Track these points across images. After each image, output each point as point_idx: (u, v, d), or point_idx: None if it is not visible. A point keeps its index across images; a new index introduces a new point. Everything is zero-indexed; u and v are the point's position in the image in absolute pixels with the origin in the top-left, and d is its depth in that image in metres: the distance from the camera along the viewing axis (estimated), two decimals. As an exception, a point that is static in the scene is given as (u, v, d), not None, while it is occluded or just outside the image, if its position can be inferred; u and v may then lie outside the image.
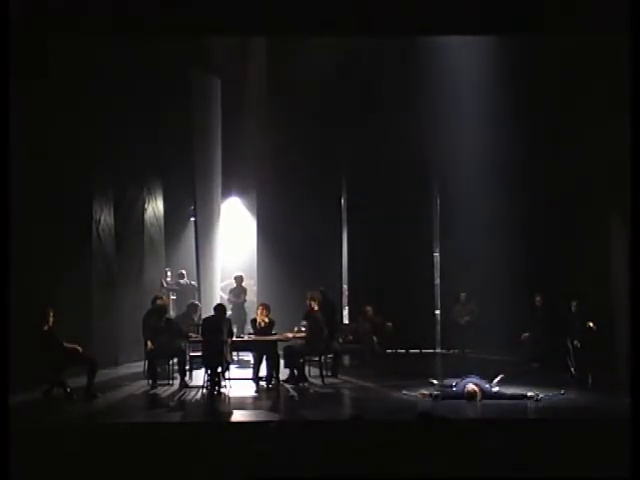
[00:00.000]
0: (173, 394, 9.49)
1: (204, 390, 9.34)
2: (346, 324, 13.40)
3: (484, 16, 8.63)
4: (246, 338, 10.49)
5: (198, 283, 13.24)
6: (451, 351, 13.77)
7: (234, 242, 15.62)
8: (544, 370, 10.90)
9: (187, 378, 10.08)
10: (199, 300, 12.34)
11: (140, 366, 10.85)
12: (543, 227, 12.01)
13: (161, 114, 12.77)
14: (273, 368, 9.95)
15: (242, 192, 15.63)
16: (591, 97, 10.71)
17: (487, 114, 12.57)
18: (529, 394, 8.57)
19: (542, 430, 6.90)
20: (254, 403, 9.05)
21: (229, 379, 9.51)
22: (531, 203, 12.09)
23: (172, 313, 12.85)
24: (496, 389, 8.77)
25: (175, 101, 12.88)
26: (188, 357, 10.34)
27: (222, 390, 9.27)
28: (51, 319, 8.92)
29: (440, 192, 14.46)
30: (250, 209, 15.64)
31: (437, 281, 14.46)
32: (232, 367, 10.08)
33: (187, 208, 14.41)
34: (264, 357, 10.02)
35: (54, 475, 5.84)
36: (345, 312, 14.28)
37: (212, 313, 9.62)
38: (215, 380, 9.27)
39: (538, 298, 11.55)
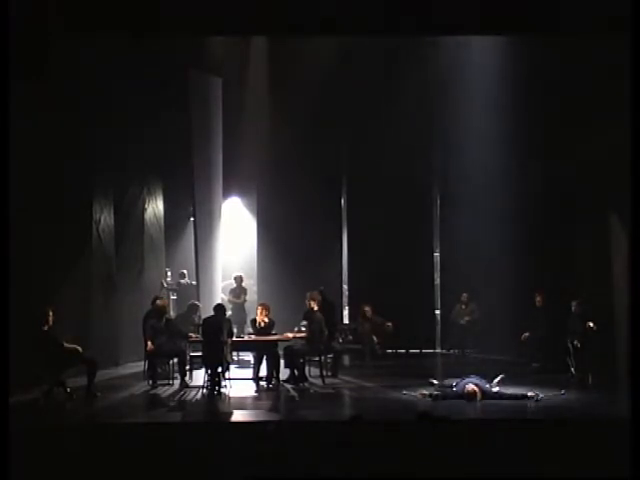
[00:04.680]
0: (173, 394, 9.49)
1: (204, 390, 9.35)
2: (346, 324, 13.41)
3: (484, 16, 8.62)
4: (246, 338, 10.50)
5: (197, 283, 13.24)
6: (451, 351, 13.77)
7: (234, 242, 15.62)
8: (544, 370, 10.90)
9: (187, 378, 10.08)
10: (199, 300, 12.33)
11: (140, 366, 10.86)
12: (543, 227, 12.00)
13: (161, 114, 12.77)
14: (273, 368, 9.96)
15: (242, 192, 15.61)
16: (590, 97, 10.70)
17: (487, 114, 12.56)
18: (529, 394, 8.57)
19: (542, 430, 6.89)
20: (254, 403, 9.05)
21: (229, 379, 9.52)
22: (531, 203, 12.07)
23: (172, 313, 12.85)
24: (496, 389, 8.77)
25: (175, 101, 12.87)
26: (188, 357, 10.34)
27: (222, 390, 9.28)
28: (51, 319, 8.92)
29: (440, 192, 14.47)
30: (250, 209, 15.64)
31: (437, 281, 14.47)
32: (232, 367, 10.10)
33: (187, 208, 14.39)
34: (264, 357, 10.03)
35: (54, 475, 5.84)
36: (345, 312, 14.29)
37: (212, 313, 9.63)
38: (215, 380, 9.27)
39: (538, 298, 11.53)
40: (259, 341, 10.17)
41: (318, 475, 5.67)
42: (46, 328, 8.90)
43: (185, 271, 14.14)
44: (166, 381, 10.10)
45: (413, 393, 8.91)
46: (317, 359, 10.44)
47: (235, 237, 15.70)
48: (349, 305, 14.34)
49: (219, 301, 12.20)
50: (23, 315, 8.52)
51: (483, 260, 12.84)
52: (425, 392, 8.81)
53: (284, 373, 10.19)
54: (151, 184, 13.55)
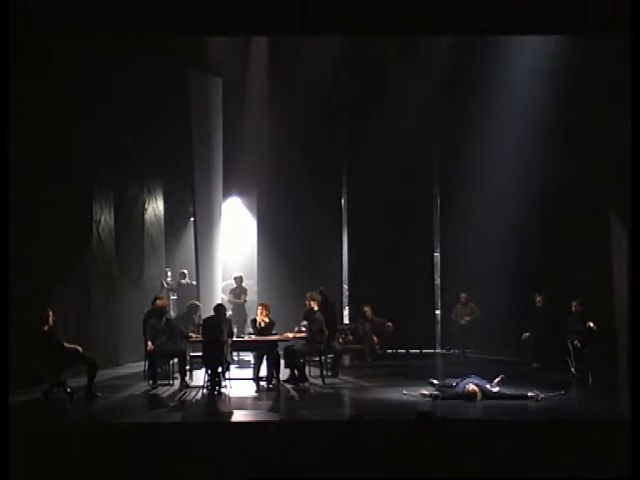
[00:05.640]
0: (173, 394, 9.49)
1: (204, 390, 9.35)
2: (346, 324, 13.40)
3: (484, 15, 8.61)
4: (246, 338, 10.50)
5: (197, 283, 13.24)
6: (451, 351, 13.77)
7: (234, 242, 15.62)
8: (544, 370, 10.91)
9: (187, 378, 10.08)
10: (199, 300, 12.33)
11: (140, 366, 10.86)
12: (543, 227, 12.00)
13: (161, 114, 12.76)
14: (273, 368, 9.95)
15: (242, 192, 15.61)
16: (593, 97, 10.70)
17: (487, 114, 12.56)
18: (529, 394, 8.56)
19: (542, 430, 6.89)
20: (254, 403, 9.05)
21: (229, 379, 9.52)
22: (531, 203, 12.06)
23: (172, 313, 12.84)
24: (496, 389, 8.76)
25: (175, 101, 12.87)
26: (188, 357, 10.34)
27: (222, 390, 9.28)
28: (51, 319, 8.93)
29: (440, 192, 14.47)
30: (250, 209, 15.64)
31: (437, 281, 14.47)
32: (232, 367, 10.10)
33: (187, 208, 14.41)
34: (264, 357, 10.02)
35: (54, 475, 5.84)
36: (345, 312, 14.29)
37: (212, 313, 9.62)
38: (215, 380, 9.27)
39: (538, 298, 11.54)
40: (259, 341, 10.16)
41: (318, 475, 5.67)
42: (46, 328, 8.91)
43: (185, 271, 14.14)
44: (166, 381, 10.10)
45: (413, 393, 8.91)
46: (317, 359, 10.44)
47: (235, 237, 15.70)
48: (349, 305, 14.35)
49: (219, 301, 12.19)
50: (23, 315, 8.52)
51: (483, 260, 12.83)
52: (425, 392, 8.81)
53: (284, 373, 10.19)
54: (151, 184, 13.55)
